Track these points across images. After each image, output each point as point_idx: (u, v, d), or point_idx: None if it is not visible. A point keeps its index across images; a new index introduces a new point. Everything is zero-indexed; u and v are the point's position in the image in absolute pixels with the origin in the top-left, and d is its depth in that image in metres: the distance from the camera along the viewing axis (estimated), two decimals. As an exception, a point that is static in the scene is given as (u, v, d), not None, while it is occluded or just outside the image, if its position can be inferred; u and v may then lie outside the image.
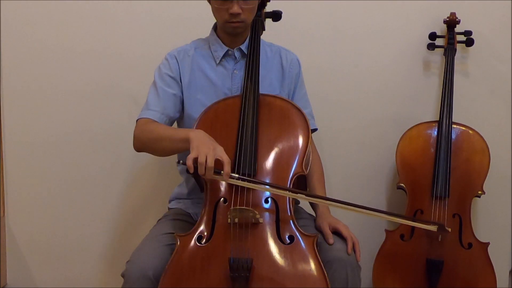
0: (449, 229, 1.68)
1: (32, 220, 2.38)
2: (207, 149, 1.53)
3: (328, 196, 1.85)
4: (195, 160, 1.51)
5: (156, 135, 1.72)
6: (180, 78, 1.85)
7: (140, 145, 1.76)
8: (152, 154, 1.79)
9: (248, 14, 1.77)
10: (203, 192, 1.68)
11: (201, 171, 1.52)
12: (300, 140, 1.72)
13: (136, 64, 2.26)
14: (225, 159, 1.54)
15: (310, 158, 1.77)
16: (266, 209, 1.63)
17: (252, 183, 1.60)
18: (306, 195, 1.75)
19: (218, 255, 1.58)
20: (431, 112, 2.35)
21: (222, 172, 1.53)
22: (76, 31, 2.28)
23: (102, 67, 2.29)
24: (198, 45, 1.91)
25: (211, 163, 1.51)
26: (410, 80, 2.36)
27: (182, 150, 1.65)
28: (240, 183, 1.58)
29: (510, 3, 2.30)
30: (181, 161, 1.58)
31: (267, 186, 1.65)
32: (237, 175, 1.58)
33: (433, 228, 1.65)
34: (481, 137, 2.18)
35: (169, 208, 1.96)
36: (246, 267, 1.54)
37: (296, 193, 1.66)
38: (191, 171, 1.52)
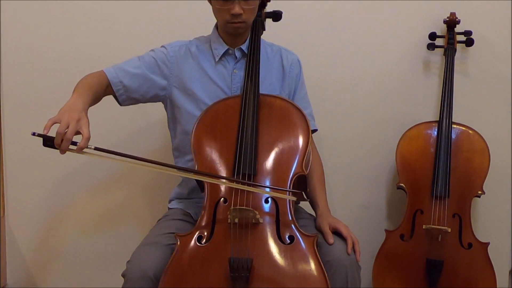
0: (307, 198, 1.62)
1: (32, 220, 2.38)
2: (70, 118, 1.49)
3: (328, 196, 1.87)
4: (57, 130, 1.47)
5: (78, 82, 1.73)
6: (176, 74, 1.85)
7: None
8: None
9: (249, 15, 1.77)
10: (203, 192, 1.68)
11: (57, 140, 1.47)
12: (300, 140, 1.72)
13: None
14: (85, 133, 1.49)
15: (310, 158, 1.77)
16: (266, 209, 1.63)
17: (116, 155, 1.53)
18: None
19: (218, 255, 1.58)
20: (431, 112, 2.35)
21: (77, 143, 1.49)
22: (77, 31, 2.28)
23: (103, 68, 2.28)
24: (200, 42, 1.91)
25: (70, 134, 1.47)
26: (410, 80, 2.36)
27: None
28: (99, 154, 1.51)
29: (510, 3, 2.30)
30: (36, 133, 1.49)
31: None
32: (93, 147, 1.50)
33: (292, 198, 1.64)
34: (481, 137, 2.18)
35: (169, 208, 1.96)
36: (246, 267, 1.54)
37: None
38: (46, 131, 1.47)
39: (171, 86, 1.86)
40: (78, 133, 1.50)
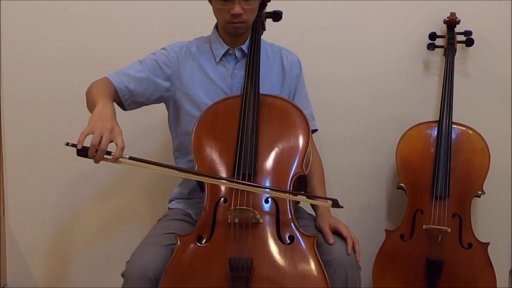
0: (342, 206, 1.61)
1: (32, 220, 2.38)
2: (103, 128, 1.47)
3: (328, 196, 1.86)
4: (90, 141, 1.45)
5: (90, 90, 1.70)
6: (178, 75, 1.85)
7: (86, 94, 1.73)
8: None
9: (250, 15, 1.77)
10: (203, 192, 1.68)
11: (91, 151, 1.46)
12: (301, 140, 1.72)
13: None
14: (120, 143, 1.47)
15: (310, 159, 1.77)
16: (266, 209, 1.63)
17: (144, 162, 1.51)
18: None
19: (218, 255, 1.58)
20: (431, 112, 2.35)
21: (112, 153, 1.47)
22: (77, 31, 2.28)
23: (103, 68, 2.27)
24: (200, 43, 1.91)
25: (104, 145, 1.45)
26: (410, 80, 2.36)
27: None
28: (134, 163, 1.49)
29: (510, 3, 2.31)
30: (70, 143, 1.46)
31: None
32: (127, 156, 1.48)
33: (328, 203, 1.64)
34: (481, 137, 2.18)
35: (169, 208, 1.96)
36: (246, 267, 1.54)
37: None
38: (80, 146, 1.44)
39: (174, 87, 1.86)
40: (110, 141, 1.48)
